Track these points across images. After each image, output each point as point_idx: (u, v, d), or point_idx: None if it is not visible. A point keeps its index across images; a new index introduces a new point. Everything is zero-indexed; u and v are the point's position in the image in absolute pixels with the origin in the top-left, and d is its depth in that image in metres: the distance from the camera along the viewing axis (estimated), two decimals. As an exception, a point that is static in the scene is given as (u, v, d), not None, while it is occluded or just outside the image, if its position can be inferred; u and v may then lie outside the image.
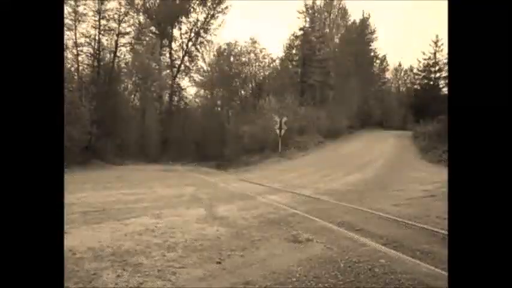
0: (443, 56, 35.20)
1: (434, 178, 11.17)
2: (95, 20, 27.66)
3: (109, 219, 5.53)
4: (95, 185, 10.92)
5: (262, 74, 35.13)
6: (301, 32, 34.12)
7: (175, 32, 37.71)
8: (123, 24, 30.09)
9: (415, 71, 40.75)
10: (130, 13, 31.89)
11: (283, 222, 5.55)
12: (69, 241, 4.02)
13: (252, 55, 34.42)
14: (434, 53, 36.27)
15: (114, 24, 29.04)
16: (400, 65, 46.97)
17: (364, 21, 40.50)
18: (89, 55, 28.06)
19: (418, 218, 5.75)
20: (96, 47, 27.89)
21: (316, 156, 21.53)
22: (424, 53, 37.01)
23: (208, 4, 36.44)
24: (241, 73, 34.33)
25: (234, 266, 3.42)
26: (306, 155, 22.06)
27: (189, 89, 40.43)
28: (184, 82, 38.35)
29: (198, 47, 37.79)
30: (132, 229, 4.87)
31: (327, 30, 38.91)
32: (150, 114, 36.58)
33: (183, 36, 37.64)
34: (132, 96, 34.98)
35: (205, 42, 37.59)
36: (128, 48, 32.11)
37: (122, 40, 30.38)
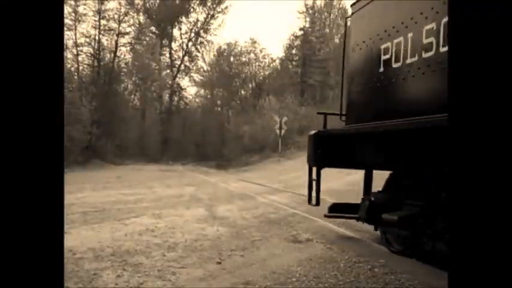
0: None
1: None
2: (95, 20, 27.72)
3: (109, 219, 5.53)
4: (95, 185, 10.92)
5: (262, 74, 35.15)
6: (301, 32, 34.13)
7: (175, 32, 37.77)
8: (123, 24, 30.16)
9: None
10: (131, 13, 31.96)
11: (283, 222, 5.56)
12: (69, 241, 4.02)
13: (252, 55, 34.47)
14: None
15: (114, 24, 29.10)
16: (400, 64, 46.86)
17: (364, 21, 40.46)
18: (89, 55, 28.11)
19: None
20: (96, 47, 27.91)
21: (316, 156, 21.49)
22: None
23: (208, 4, 36.48)
24: (241, 73, 34.35)
25: (234, 266, 3.42)
26: (306, 155, 22.04)
27: (189, 89, 40.46)
28: (184, 82, 38.44)
29: (198, 47, 37.87)
30: (132, 229, 4.86)
31: (327, 30, 38.91)
32: (150, 114, 36.59)
33: (183, 36, 37.71)
34: (132, 96, 34.99)
35: (205, 42, 37.66)
36: (128, 48, 32.17)
37: (122, 40, 30.46)
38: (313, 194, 4.56)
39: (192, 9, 36.69)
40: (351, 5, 4.99)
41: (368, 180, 4.90)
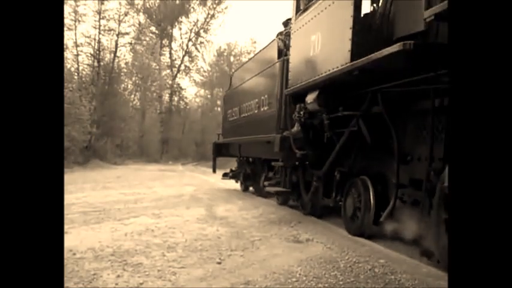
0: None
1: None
2: (95, 20, 27.73)
3: (109, 219, 5.52)
4: (95, 185, 10.92)
5: (262, 74, 35.07)
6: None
7: (175, 32, 37.74)
8: (123, 24, 30.18)
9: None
10: (130, 13, 31.97)
11: (283, 222, 5.56)
12: (69, 241, 4.02)
13: (252, 55, 34.41)
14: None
15: (114, 24, 29.08)
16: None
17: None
18: (89, 55, 28.10)
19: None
20: (96, 47, 27.91)
21: (316, 156, 21.48)
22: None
23: (208, 4, 36.46)
24: (241, 73, 34.34)
25: (234, 266, 3.42)
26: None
27: (189, 89, 40.41)
28: (184, 82, 38.41)
29: (198, 47, 37.82)
30: (132, 229, 4.86)
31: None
32: (150, 114, 36.58)
33: (183, 36, 37.68)
34: (132, 96, 35.00)
35: (205, 42, 37.62)
36: (128, 48, 32.16)
37: (122, 40, 30.44)
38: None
39: (192, 9, 36.69)
40: (225, 91, 12.63)
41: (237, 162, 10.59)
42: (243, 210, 6.75)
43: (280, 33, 7.01)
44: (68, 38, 26.04)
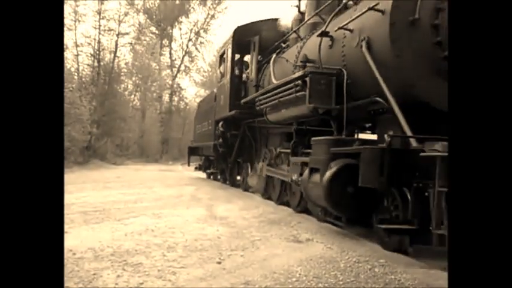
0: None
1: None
2: (95, 20, 27.66)
3: (109, 219, 5.52)
4: (95, 185, 10.91)
5: (262, 73, 34.99)
6: (301, 32, 33.99)
7: (175, 32, 37.68)
8: (123, 24, 30.09)
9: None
10: (130, 13, 31.91)
11: (283, 222, 5.56)
12: (69, 241, 4.01)
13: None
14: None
15: (114, 24, 29.02)
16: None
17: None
18: (89, 55, 28.03)
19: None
20: (96, 47, 27.86)
21: (316, 156, 21.46)
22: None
23: (208, 4, 36.43)
24: (241, 73, 34.26)
25: (234, 266, 3.42)
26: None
27: (189, 89, 40.30)
28: (184, 82, 38.32)
29: (198, 47, 37.77)
30: (132, 229, 4.86)
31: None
32: (150, 114, 36.55)
33: (183, 36, 37.62)
34: (132, 96, 34.97)
35: (205, 42, 37.57)
36: (128, 48, 32.12)
37: (122, 40, 30.36)
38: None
39: (192, 9, 36.65)
40: (195, 113, 19.02)
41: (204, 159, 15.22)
42: (243, 210, 6.76)
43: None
44: (68, 38, 25.97)
